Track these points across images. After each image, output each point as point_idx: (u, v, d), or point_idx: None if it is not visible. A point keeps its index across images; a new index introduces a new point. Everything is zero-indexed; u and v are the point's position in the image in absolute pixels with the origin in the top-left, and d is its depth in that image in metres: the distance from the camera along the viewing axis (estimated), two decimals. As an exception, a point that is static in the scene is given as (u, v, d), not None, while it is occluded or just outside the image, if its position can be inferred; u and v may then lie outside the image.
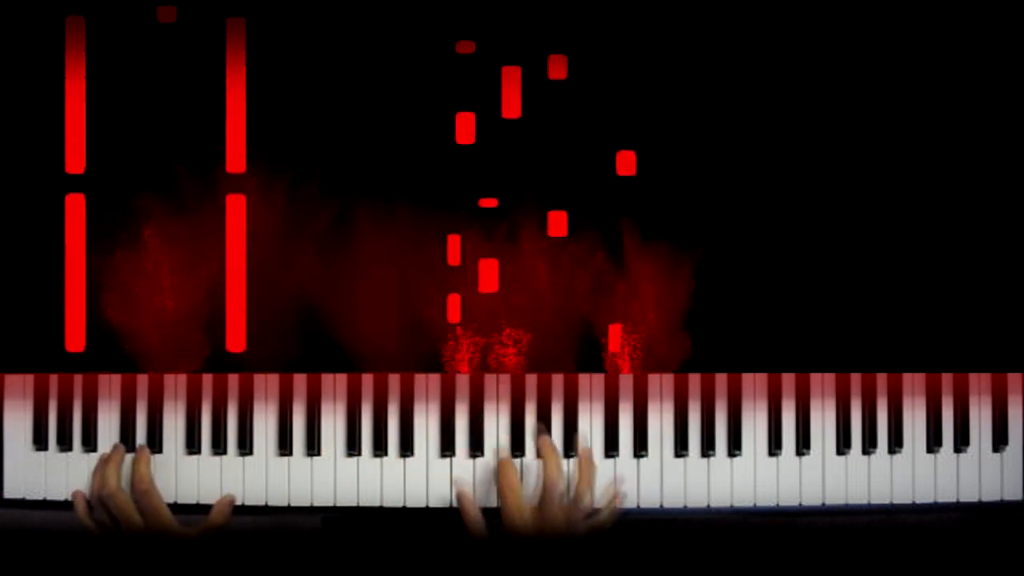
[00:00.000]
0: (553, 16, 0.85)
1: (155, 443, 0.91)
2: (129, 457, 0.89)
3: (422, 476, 0.91)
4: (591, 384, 0.92)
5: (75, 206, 0.86)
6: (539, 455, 0.88)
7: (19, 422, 0.92)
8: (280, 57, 0.86)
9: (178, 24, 0.85)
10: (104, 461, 0.88)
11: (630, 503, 0.91)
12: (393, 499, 0.91)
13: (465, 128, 0.85)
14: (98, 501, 0.86)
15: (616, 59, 0.86)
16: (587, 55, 0.86)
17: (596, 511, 0.87)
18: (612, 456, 0.91)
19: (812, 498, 0.92)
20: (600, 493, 0.88)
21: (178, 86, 0.86)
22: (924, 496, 0.92)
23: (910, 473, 0.92)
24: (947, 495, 0.92)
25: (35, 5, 0.85)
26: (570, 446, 0.91)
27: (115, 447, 0.89)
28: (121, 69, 0.86)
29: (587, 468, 0.87)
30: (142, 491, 0.86)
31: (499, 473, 0.88)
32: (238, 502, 0.90)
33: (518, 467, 0.91)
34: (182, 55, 0.86)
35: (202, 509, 0.90)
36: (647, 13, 0.85)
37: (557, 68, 0.85)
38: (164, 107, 0.86)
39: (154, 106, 0.86)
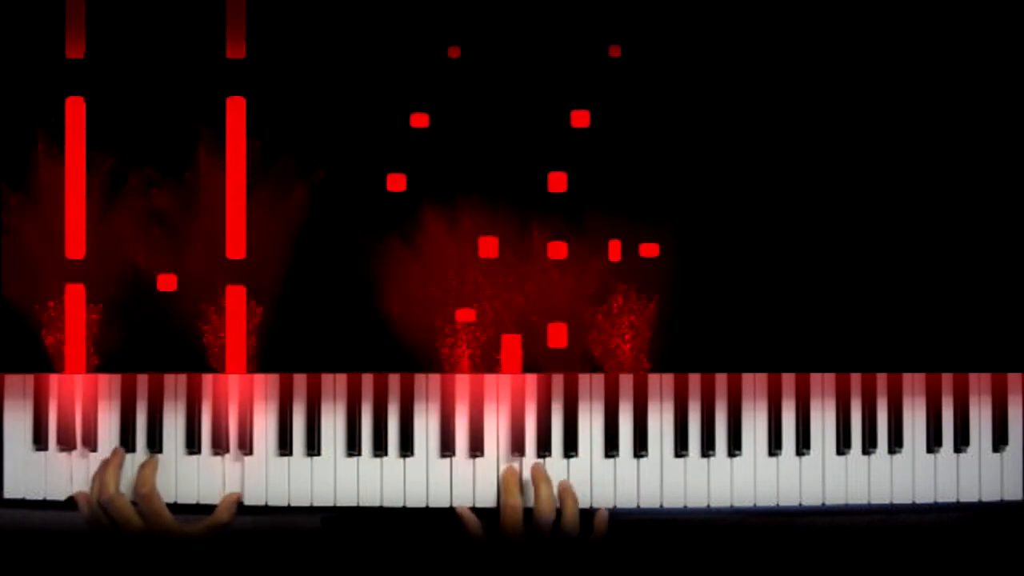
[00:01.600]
0: (552, 284, 0.87)
1: (155, 443, 0.91)
2: (129, 458, 0.89)
3: (422, 476, 0.91)
4: (591, 384, 0.92)
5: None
6: (533, 481, 0.89)
7: (19, 422, 0.92)
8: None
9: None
10: (104, 465, 0.88)
11: (630, 503, 0.91)
12: (393, 499, 0.91)
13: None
14: (98, 505, 0.86)
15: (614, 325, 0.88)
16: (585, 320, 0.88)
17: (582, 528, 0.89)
18: (612, 456, 0.91)
19: (812, 498, 0.92)
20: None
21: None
22: (924, 496, 0.92)
23: (910, 473, 0.92)
24: (947, 495, 0.92)
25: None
26: (571, 447, 0.91)
27: (115, 451, 0.89)
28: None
29: (569, 502, 0.88)
30: (144, 495, 0.86)
31: (503, 489, 0.89)
32: (238, 502, 0.90)
33: (519, 467, 0.91)
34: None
35: (202, 509, 0.90)
36: (636, 276, 0.87)
37: (557, 336, 0.87)
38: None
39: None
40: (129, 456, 0.90)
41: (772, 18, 0.87)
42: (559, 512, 0.87)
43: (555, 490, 0.89)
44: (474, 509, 0.90)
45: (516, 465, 0.91)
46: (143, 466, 0.88)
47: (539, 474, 0.89)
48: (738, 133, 0.88)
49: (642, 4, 0.86)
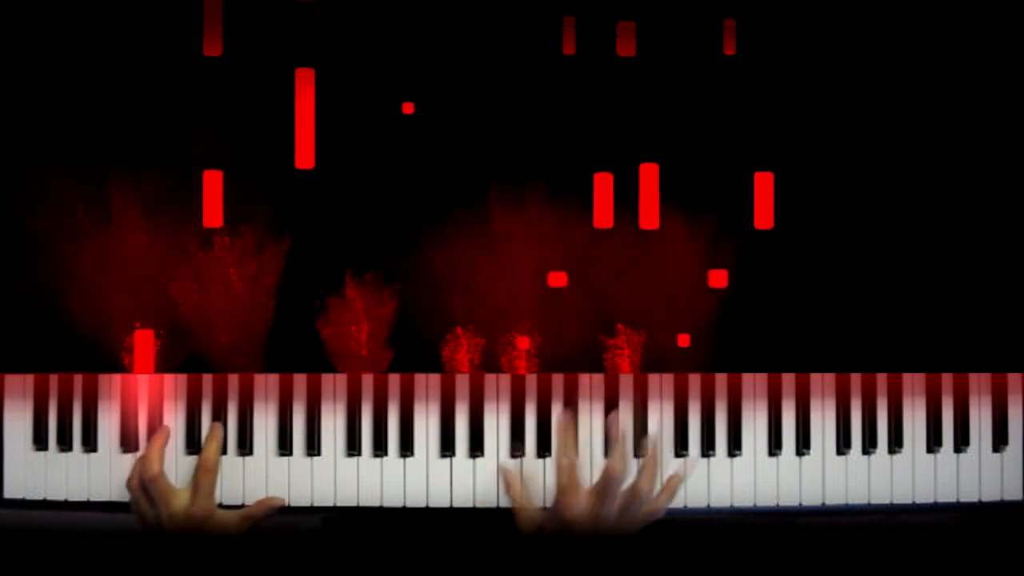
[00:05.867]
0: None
1: (155, 443, 0.91)
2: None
3: (422, 476, 0.91)
4: (591, 384, 0.92)
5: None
6: (607, 440, 0.88)
7: (19, 422, 0.92)
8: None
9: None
10: (150, 443, 0.88)
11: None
12: (393, 499, 0.91)
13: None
14: (140, 485, 0.85)
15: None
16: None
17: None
18: (612, 456, 0.91)
19: (812, 498, 0.92)
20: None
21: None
22: (924, 496, 0.92)
23: (910, 473, 0.92)
24: (947, 495, 0.92)
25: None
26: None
27: (162, 429, 0.89)
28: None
29: (651, 466, 0.86)
30: (207, 468, 0.86)
31: (557, 444, 0.87)
32: (237, 502, 0.90)
33: (518, 467, 0.91)
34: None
35: (202, 509, 0.90)
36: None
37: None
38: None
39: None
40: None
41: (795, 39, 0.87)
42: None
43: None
44: (474, 509, 0.91)
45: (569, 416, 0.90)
46: (208, 439, 0.88)
47: (616, 430, 0.87)
48: (737, 134, 0.88)
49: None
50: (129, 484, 0.87)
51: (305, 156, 0.86)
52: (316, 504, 0.91)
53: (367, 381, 0.92)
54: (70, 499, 0.91)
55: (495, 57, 0.86)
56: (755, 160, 0.87)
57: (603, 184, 0.86)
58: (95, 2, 0.86)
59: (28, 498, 0.92)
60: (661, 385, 0.92)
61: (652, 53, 0.86)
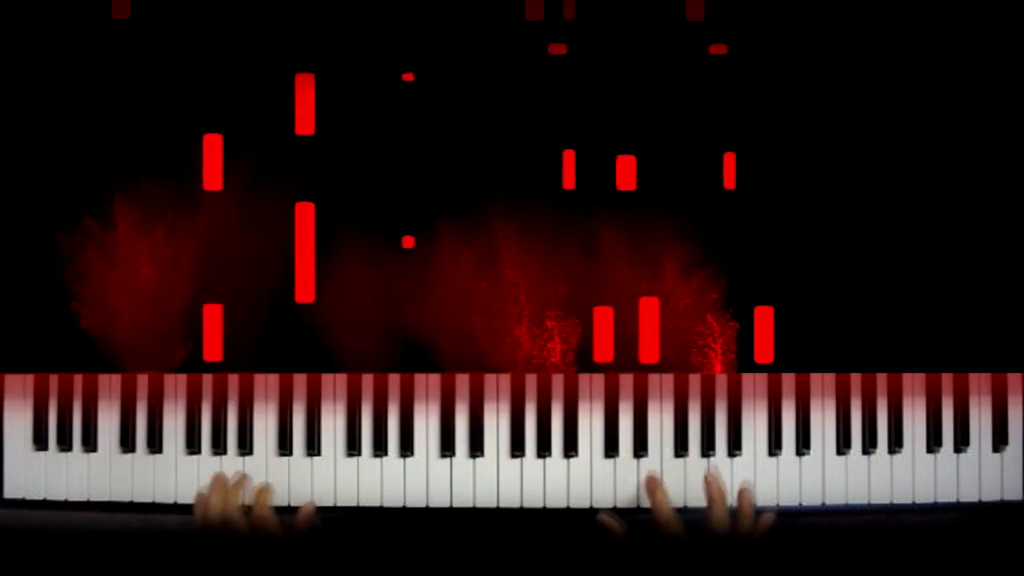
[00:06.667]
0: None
1: (155, 443, 0.91)
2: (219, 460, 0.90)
3: (422, 476, 0.91)
4: (591, 384, 0.92)
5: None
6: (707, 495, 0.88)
7: (19, 422, 0.92)
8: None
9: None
10: (235, 484, 0.88)
11: (630, 503, 0.91)
12: (393, 499, 0.91)
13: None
14: (219, 517, 0.85)
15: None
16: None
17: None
18: (612, 456, 0.91)
19: (812, 498, 0.92)
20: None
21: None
22: (924, 496, 0.92)
23: (910, 473, 0.92)
24: (947, 495, 0.92)
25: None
26: (571, 447, 0.91)
27: (244, 476, 0.90)
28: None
29: (748, 509, 0.87)
30: (262, 516, 0.86)
31: (653, 505, 0.88)
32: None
33: (518, 467, 0.91)
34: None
35: (202, 509, 0.90)
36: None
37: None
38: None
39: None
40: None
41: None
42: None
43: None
44: (474, 509, 0.91)
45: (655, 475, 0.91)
46: (258, 493, 0.88)
47: (715, 487, 0.87)
48: (734, 134, 0.88)
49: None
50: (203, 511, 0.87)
51: (306, 290, 0.86)
52: (316, 504, 0.91)
53: (367, 381, 0.92)
54: (70, 499, 0.92)
55: (495, 191, 0.87)
56: (753, 163, 0.88)
57: (603, 318, 0.86)
58: (99, 135, 0.87)
59: (28, 498, 0.92)
60: (661, 385, 0.92)
61: (652, 187, 0.86)
